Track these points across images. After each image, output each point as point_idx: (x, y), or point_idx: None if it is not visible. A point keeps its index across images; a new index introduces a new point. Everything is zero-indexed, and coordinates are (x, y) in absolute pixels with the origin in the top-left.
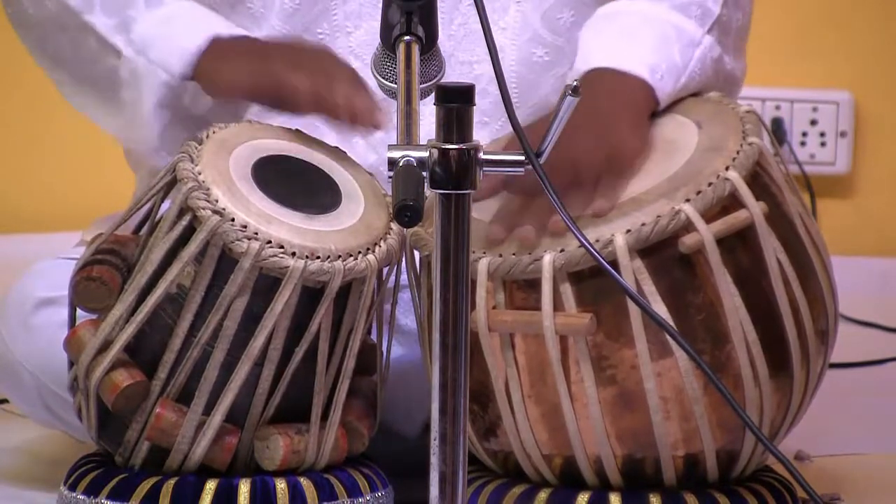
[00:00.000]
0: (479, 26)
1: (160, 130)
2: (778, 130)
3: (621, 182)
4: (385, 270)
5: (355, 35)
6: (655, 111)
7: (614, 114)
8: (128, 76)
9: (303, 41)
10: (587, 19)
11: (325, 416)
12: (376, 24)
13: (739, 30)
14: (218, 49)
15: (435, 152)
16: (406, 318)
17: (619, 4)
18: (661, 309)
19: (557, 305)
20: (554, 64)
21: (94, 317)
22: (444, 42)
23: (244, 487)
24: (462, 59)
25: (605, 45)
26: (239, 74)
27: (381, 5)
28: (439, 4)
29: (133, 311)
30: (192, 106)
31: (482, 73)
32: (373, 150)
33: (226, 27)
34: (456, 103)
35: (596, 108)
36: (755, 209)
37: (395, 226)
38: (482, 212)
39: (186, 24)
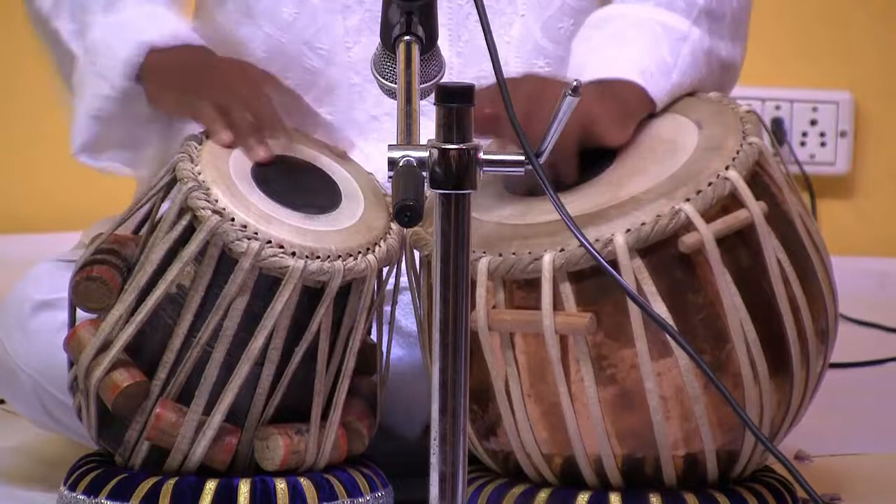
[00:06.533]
0: (485, 42)
1: (85, 140)
2: (778, 130)
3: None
4: (385, 270)
5: (354, 50)
6: (653, 112)
7: (595, 108)
8: (76, 82)
9: (239, 64)
10: None
11: (325, 416)
12: (375, 39)
13: (735, 12)
14: (153, 63)
15: (435, 152)
16: (406, 319)
17: (608, 10)
18: (661, 308)
19: (557, 305)
20: (555, 74)
21: (94, 317)
22: (452, 60)
23: (244, 487)
24: (469, 76)
25: (596, 57)
26: (165, 103)
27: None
28: (446, 22)
29: (133, 311)
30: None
31: None
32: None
33: (170, 32)
34: (456, 103)
35: (578, 110)
36: (755, 209)
37: (395, 226)
38: (482, 211)
39: (132, 32)
